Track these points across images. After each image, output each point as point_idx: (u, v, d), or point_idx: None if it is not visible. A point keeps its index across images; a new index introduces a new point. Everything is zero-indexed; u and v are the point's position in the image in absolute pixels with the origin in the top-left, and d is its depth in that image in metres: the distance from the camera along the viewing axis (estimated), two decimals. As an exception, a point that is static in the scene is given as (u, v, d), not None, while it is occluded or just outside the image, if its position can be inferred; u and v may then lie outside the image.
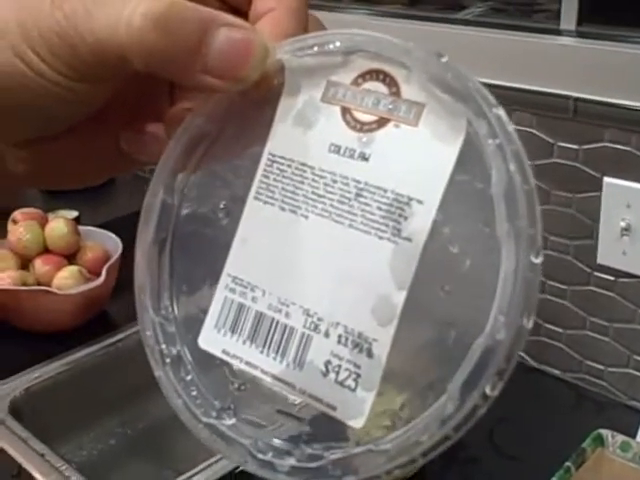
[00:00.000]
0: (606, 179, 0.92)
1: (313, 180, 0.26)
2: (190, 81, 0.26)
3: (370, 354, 0.25)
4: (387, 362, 0.24)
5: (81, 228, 1.21)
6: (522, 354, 1.07)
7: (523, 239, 0.23)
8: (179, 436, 1.15)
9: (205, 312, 0.28)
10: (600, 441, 0.79)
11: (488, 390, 0.23)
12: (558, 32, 0.99)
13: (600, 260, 0.95)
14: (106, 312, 1.18)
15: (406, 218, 0.25)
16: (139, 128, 0.30)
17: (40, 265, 1.14)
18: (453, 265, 0.24)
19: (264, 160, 0.28)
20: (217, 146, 0.29)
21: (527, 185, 0.23)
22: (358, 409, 0.24)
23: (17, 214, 1.22)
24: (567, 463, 0.75)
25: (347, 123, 0.26)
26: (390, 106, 0.25)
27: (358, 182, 0.26)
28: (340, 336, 0.25)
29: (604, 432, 0.79)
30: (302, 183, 0.27)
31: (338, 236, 0.26)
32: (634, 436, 0.83)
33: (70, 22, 0.24)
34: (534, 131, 0.97)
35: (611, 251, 0.94)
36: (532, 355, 1.06)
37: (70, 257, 1.18)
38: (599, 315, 0.98)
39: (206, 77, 0.25)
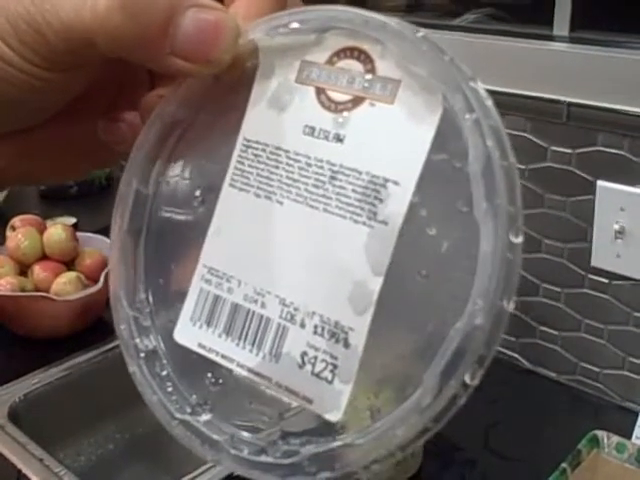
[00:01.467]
0: (599, 183, 0.93)
1: (288, 164, 0.25)
2: (159, 65, 0.25)
3: (347, 344, 0.24)
4: (363, 352, 0.23)
5: (79, 234, 1.21)
6: (517, 356, 1.07)
7: (502, 218, 0.21)
8: (177, 441, 1.15)
9: (180, 305, 0.27)
10: (596, 442, 0.80)
11: (467, 379, 0.22)
12: (551, 38, 1.00)
13: (594, 263, 0.96)
14: (104, 318, 1.18)
15: (382, 200, 0.24)
16: (116, 117, 0.29)
17: (39, 271, 1.15)
18: (430, 248, 0.23)
19: (239, 145, 0.27)
20: (191, 133, 0.28)
21: (506, 161, 0.22)
22: (335, 402, 0.23)
23: (16, 220, 1.22)
24: (563, 464, 0.76)
25: (322, 104, 0.25)
26: (365, 84, 0.24)
27: (333, 164, 0.25)
28: (316, 326, 0.24)
29: (599, 433, 0.80)
30: (277, 168, 0.26)
31: (313, 221, 0.25)
32: (629, 437, 0.84)
33: (38, 8, 0.24)
34: (528, 135, 0.97)
35: (605, 254, 0.94)
36: (527, 357, 1.07)
37: (68, 263, 1.18)
38: (594, 317, 0.98)
39: (175, 60, 0.24)
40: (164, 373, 0.27)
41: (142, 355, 0.27)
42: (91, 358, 1.11)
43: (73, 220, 1.31)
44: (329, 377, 0.24)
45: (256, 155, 0.26)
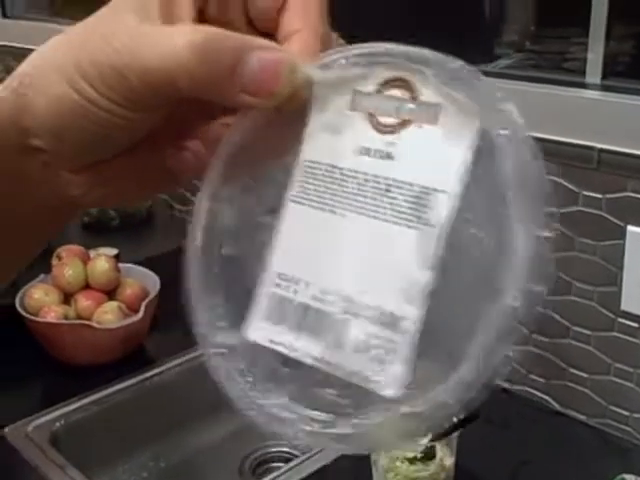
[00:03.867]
0: (629, 228, 0.94)
1: (345, 181, 0.29)
2: (230, 101, 0.29)
3: (401, 330, 0.27)
4: (417, 336, 0.27)
5: (121, 265, 1.25)
6: (547, 397, 1.08)
7: (533, 217, 0.26)
8: (210, 470, 1.17)
9: (254, 307, 0.31)
10: (622, 485, 0.81)
11: (509, 352, 0.26)
12: (584, 85, 1.03)
13: (624, 307, 0.97)
14: (143, 347, 1.21)
15: (431, 207, 0.27)
16: (182, 146, 0.32)
17: (82, 300, 1.19)
18: (474, 245, 0.27)
19: (300, 166, 0.31)
20: (257, 157, 0.32)
21: (537, 169, 0.26)
22: (392, 381, 0.27)
23: (61, 251, 1.27)
24: (589, 505, 0.77)
25: (373, 127, 0.29)
26: (411, 109, 0.29)
27: (387, 179, 0.29)
28: (374, 317, 0.28)
29: (628, 477, 0.81)
30: (334, 184, 0.30)
31: (371, 229, 0.28)
32: (657, 481, 0.84)
33: (120, 55, 0.28)
34: (560, 180, 1.00)
35: (635, 298, 0.96)
36: (557, 399, 1.08)
37: (110, 293, 1.22)
38: (623, 361, 0.99)
39: (244, 96, 0.28)
40: (242, 367, 0.31)
41: (222, 351, 0.31)
42: (129, 386, 1.14)
43: (115, 251, 1.35)
44: (385, 359, 0.27)
45: (315, 174, 0.30)
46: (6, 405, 1.13)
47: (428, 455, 0.85)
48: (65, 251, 1.26)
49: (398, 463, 0.85)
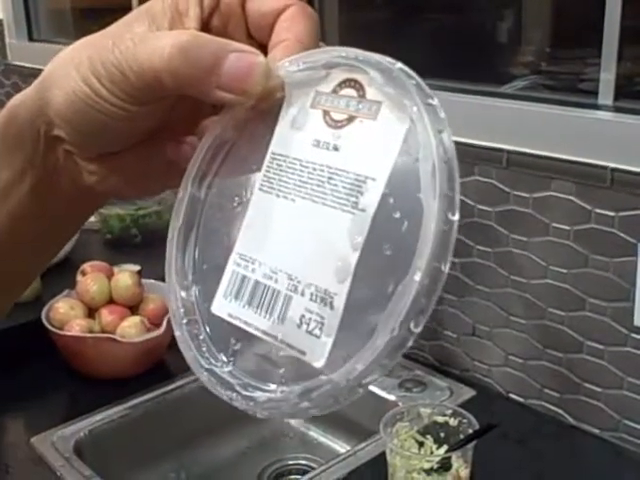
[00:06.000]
0: (642, 245, 0.96)
1: (300, 170, 0.33)
2: (208, 96, 0.32)
3: (332, 306, 0.30)
4: (343, 311, 0.30)
5: (143, 281, 1.28)
6: (561, 411, 1.10)
7: (441, 200, 0.28)
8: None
9: (218, 284, 0.34)
10: (635, 496, 0.82)
11: (412, 326, 0.28)
12: (596, 107, 1.05)
13: (637, 322, 0.99)
14: (165, 361, 1.24)
15: (362, 193, 0.30)
16: (180, 140, 0.36)
17: (106, 314, 1.22)
18: (394, 228, 0.30)
19: (268, 158, 0.34)
20: (234, 150, 0.36)
21: (446, 156, 0.29)
22: (320, 352, 0.30)
23: (86, 266, 1.30)
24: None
25: (326, 122, 0.33)
26: (357, 106, 0.32)
27: (330, 168, 0.32)
28: (312, 294, 0.31)
29: (640, 489, 0.82)
30: (293, 173, 0.33)
31: (314, 213, 0.32)
32: (670, 494, 0.86)
33: (123, 56, 0.32)
34: (573, 198, 1.02)
35: (647, 314, 0.97)
36: (571, 413, 1.09)
37: (133, 308, 1.25)
38: (637, 375, 1.01)
39: (220, 92, 0.32)
40: (201, 337, 0.35)
41: (184, 322, 0.35)
42: (151, 399, 1.17)
43: (138, 267, 1.38)
44: (318, 333, 0.31)
45: (279, 165, 0.34)
46: (32, 416, 1.16)
47: (444, 466, 0.87)
48: (90, 267, 1.30)
49: (415, 474, 0.87)
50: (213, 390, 0.33)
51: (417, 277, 0.28)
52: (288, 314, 0.32)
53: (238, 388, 0.33)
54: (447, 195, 0.29)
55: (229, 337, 0.34)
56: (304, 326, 0.31)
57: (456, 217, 0.29)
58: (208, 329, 0.35)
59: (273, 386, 0.32)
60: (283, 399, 0.31)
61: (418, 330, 0.28)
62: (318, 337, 0.30)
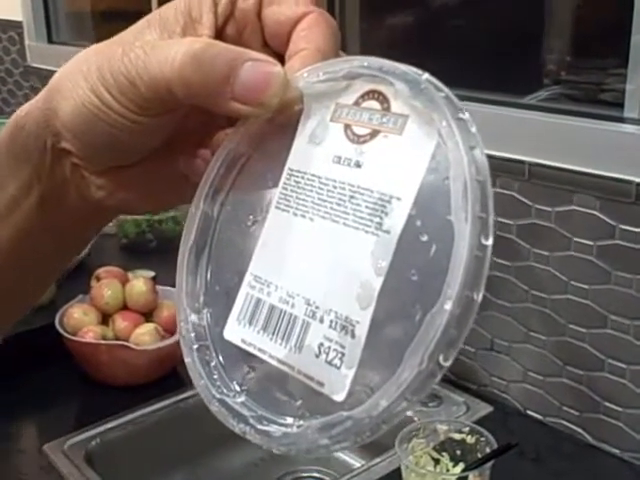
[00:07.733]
0: (667, 262, 0.94)
1: (319, 188, 0.31)
2: (221, 108, 0.30)
3: (353, 335, 0.28)
4: (364, 341, 0.28)
5: (158, 287, 1.27)
6: (580, 430, 1.08)
7: (474, 223, 0.26)
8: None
9: (230, 308, 0.32)
10: (657, 521, 0.80)
11: (441, 359, 0.26)
12: (621, 120, 1.03)
13: (660, 341, 0.97)
14: (178, 369, 1.23)
15: (387, 214, 0.28)
16: (193, 153, 0.34)
17: (119, 321, 1.21)
18: (422, 252, 0.27)
19: (284, 174, 0.32)
20: (250, 165, 0.34)
21: (480, 176, 0.27)
22: (341, 385, 0.28)
23: (101, 272, 1.29)
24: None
25: (347, 137, 0.31)
26: (381, 120, 0.30)
27: (352, 186, 0.30)
28: (332, 321, 0.29)
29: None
30: (311, 191, 0.31)
31: (334, 234, 0.30)
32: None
33: (133, 65, 0.30)
34: (597, 213, 1.00)
35: (671, 333, 0.95)
36: (591, 432, 1.07)
37: (147, 314, 1.24)
38: (659, 396, 0.99)
39: (234, 104, 0.30)
40: (212, 363, 0.32)
41: (195, 347, 0.33)
42: (164, 407, 1.16)
43: (152, 273, 1.37)
44: (338, 364, 0.28)
45: (297, 182, 0.32)
46: (44, 422, 1.15)
47: (461, 485, 0.85)
48: (104, 272, 1.29)
49: (431, 492, 0.85)
50: (225, 423, 0.31)
51: (448, 306, 0.26)
52: (306, 342, 0.30)
53: (252, 421, 0.30)
54: (480, 217, 0.26)
55: (242, 365, 0.32)
56: (323, 355, 0.29)
57: (490, 242, 0.26)
58: (220, 356, 0.32)
59: (289, 419, 0.30)
60: (300, 434, 0.29)
61: (448, 364, 0.26)
62: (338, 368, 0.28)
